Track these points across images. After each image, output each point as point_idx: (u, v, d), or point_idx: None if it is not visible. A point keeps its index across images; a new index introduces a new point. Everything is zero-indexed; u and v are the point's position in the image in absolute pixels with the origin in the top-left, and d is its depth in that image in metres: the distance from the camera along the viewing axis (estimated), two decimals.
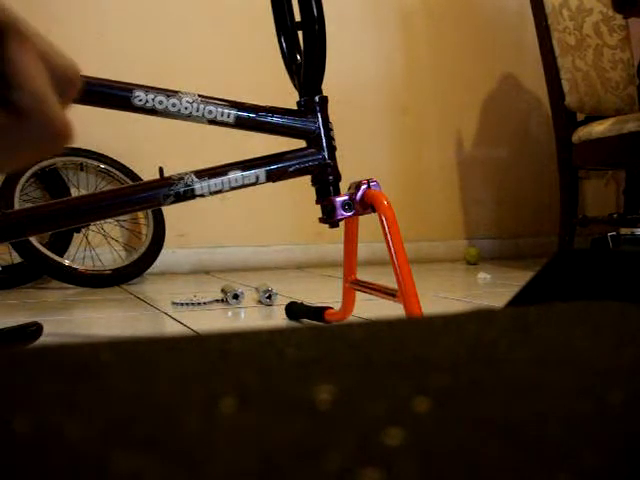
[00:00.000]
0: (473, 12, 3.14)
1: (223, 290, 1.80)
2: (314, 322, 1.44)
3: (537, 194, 3.24)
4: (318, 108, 1.23)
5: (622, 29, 2.48)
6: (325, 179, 1.23)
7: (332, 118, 1.26)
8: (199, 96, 1.15)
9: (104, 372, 0.16)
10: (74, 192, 2.44)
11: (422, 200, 3.07)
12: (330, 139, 1.24)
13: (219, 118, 1.16)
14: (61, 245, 2.31)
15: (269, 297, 1.73)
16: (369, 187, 1.18)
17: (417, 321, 0.23)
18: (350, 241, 1.32)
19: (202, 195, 1.15)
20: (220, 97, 1.18)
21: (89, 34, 2.53)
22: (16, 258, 2.23)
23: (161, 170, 1.19)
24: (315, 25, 1.17)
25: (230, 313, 1.67)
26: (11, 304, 1.89)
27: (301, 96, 1.25)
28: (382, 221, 1.14)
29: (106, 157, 2.46)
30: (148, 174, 2.02)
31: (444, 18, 3.08)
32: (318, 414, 0.13)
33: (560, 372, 0.16)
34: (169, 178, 1.14)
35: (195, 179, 1.14)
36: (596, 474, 0.11)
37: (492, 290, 2.11)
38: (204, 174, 1.15)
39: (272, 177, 1.20)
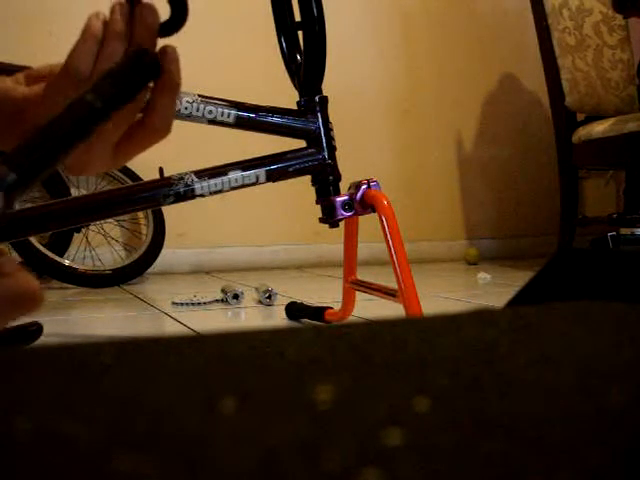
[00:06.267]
0: (473, 12, 3.14)
1: (223, 290, 1.80)
2: (314, 322, 1.44)
3: (537, 194, 3.23)
4: (318, 108, 1.23)
5: (622, 29, 2.48)
6: (325, 179, 1.23)
7: (332, 118, 1.26)
8: (199, 96, 1.15)
9: (104, 372, 0.16)
10: (74, 192, 2.43)
11: (422, 200, 3.06)
12: (330, 139, 1.23)
13: (219, 118, 1.16)
14: (61, 245, 2.31)
15: (269, 297, 1.73)
16: (369, 187, 1.18)
17: (417, 321, 0.23)
18: (350, 241, 1.32)
19: (202, 195, 1.15)
20: (220, 97, 1.18)
21: None
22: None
23: (161, 170, 1.18)
24: (315, 25, 1.17)
25: (230, 313, 1.67)
26: None
27: (301, 96, 1.25)
28: (382, 221, 1.14)
29: None
30: (148, 174, 2.02)
31: (444, 18, 3.08)
32: (318, 414, 0.13)
33: (560, 372, 0.16)
34: (169, 178, 1.14)
35: (195, 179, 1.14)
36: (596, 474, 0.11)
37: (492, 290, 2.10)
38: (204, 174, 1.15)
39: (272, 177, 1.19)
